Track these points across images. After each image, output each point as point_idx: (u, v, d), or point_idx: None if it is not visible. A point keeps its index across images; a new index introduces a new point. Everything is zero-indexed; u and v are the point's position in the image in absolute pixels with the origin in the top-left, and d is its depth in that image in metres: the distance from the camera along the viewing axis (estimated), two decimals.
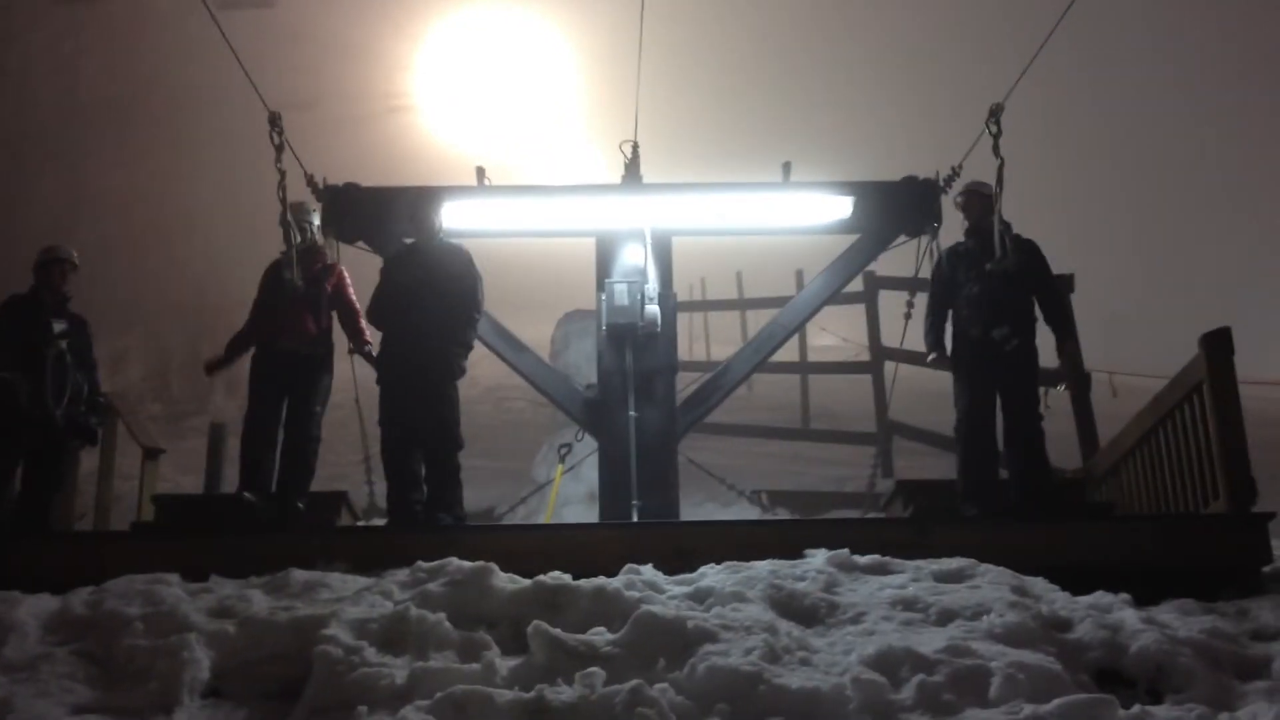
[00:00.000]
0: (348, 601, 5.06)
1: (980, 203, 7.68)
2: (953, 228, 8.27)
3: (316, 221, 8.09)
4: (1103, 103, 43.16)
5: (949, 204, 8.65)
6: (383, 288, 7.67)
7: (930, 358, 7.92)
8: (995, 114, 7.52)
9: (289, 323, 7.66)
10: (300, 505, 7.53)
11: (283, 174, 7.60)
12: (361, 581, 5.38)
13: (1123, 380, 11.63)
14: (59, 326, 7.91)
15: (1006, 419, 7.50)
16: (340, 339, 7.94)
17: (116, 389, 12.12)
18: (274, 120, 7.64)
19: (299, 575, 5.43)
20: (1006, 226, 7.55)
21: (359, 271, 8.48)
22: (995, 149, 7.48)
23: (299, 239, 7.81)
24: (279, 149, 7.64)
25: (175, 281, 23.97)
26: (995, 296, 7.47)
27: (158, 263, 25.32)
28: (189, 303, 22.46)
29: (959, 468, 7.60)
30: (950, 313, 7.80)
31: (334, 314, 7.91)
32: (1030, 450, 7.38)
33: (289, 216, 7.73)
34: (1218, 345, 6.83)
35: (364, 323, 7.95)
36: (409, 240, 7.96)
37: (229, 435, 9.30)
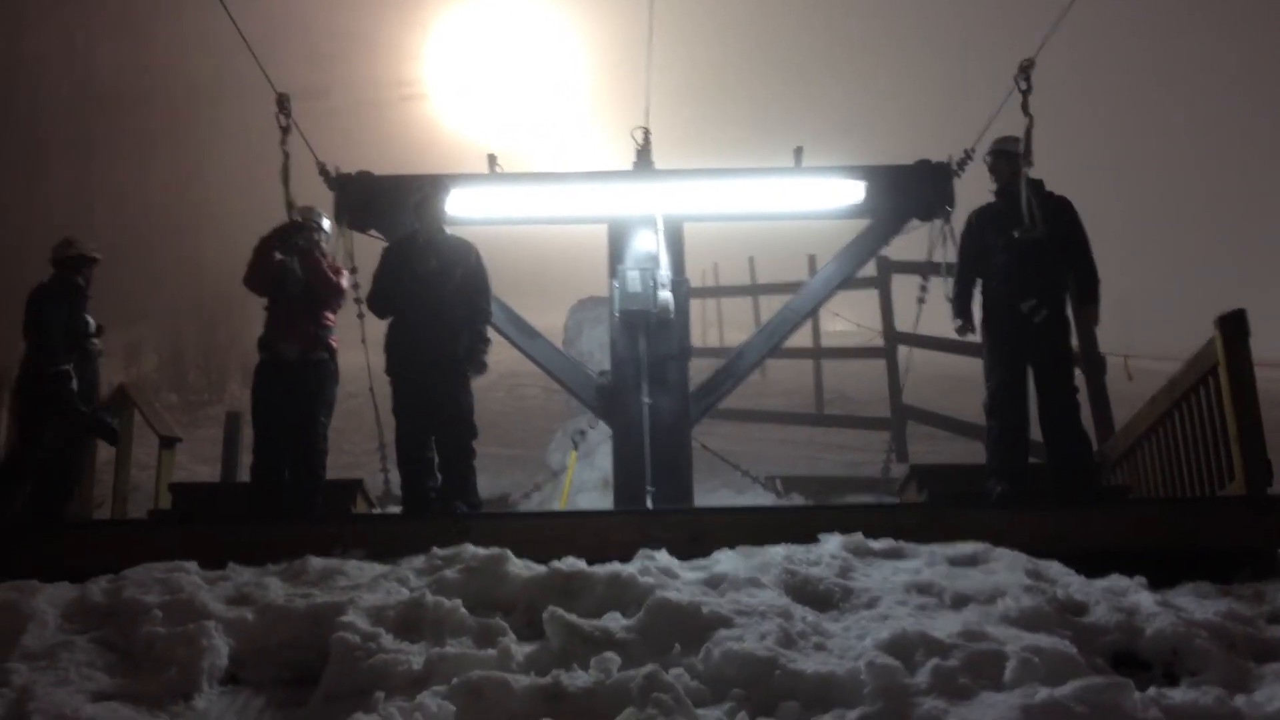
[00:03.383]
0: (364, 588, 5.08)
1: (1009, 163, 7.46)
2: (967, 204, 8.20)
3: (326, 225, 8.04)
4: (1113, 84, 42.95)
5: (961, 187, 8.61)
6: (385, 277, 7.62)
7: (957, 324, 7.74)
8: (1025, 70, 7.33)
9: (291, 324, 7.62)
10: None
11: (287, 156, 7.61)
12: (378, 569, 5.40)
13: (1138, 363, 11.57)
14: (94, 323, 8.05)
15: (1040, 394, 7.33)
16: (344, 345, 7.88)
17: (132, 379, 12.20)
18: (281, 102, 7.65)
19: (316, 563, 5.45)
20: (1037, 187, 7.37)
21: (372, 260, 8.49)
22: (1024, 106, 7.30)
23: (313, 241, 7.80)
24: (285, 130, 7.65)
25: (189, 272, 24.03)
26: (1024, 266, 7.28)
27: (171, 253, 25.39)
28: (203, 293, 22.52)
29: (988, 444, 7.48)
30: (980, 281, 7.61)
31: (331, 317, 7.83)
32: (1066, 427, 7.21)
33: (297, 217, 7.73)
34: (1233, 327, 6.80)
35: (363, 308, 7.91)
36: (415, 229, 7.94)
37: (245, 424, 9.32)
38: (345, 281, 7.91)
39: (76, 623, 4.83)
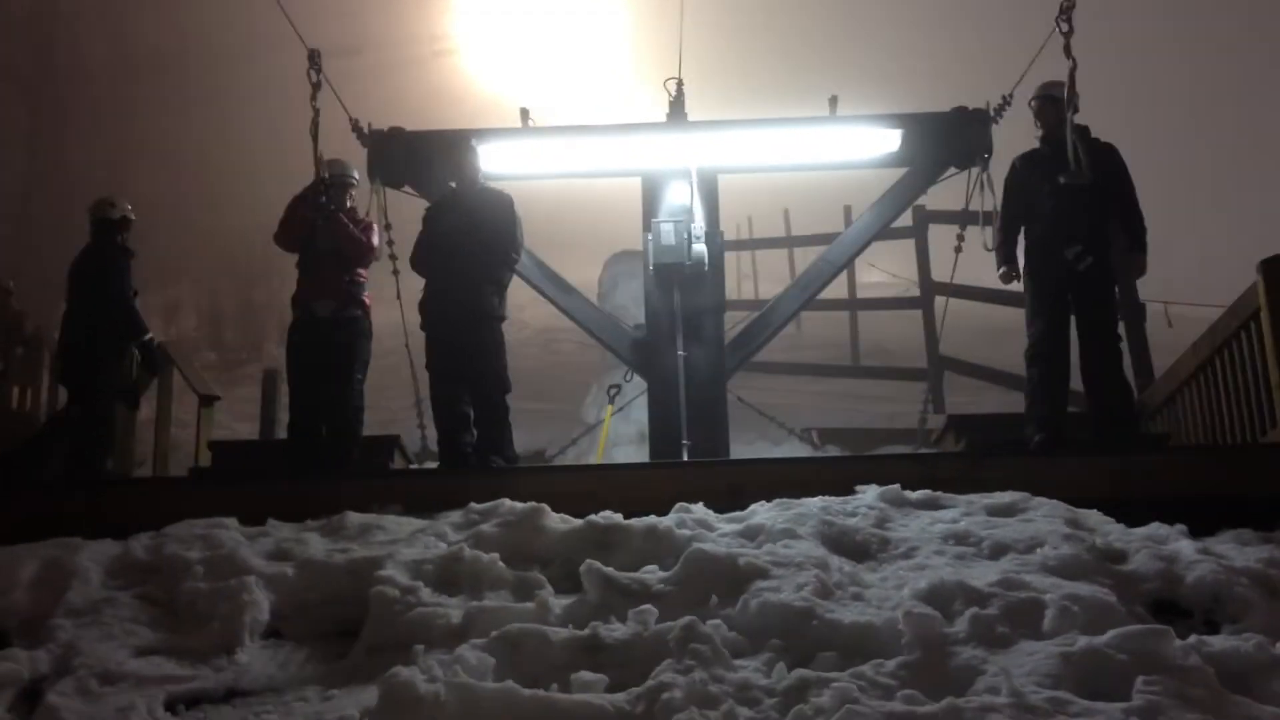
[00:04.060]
0: (402, 543, 5.11)
1: (1055, 109, 7.31)
2: (1005, 151, 8.09)
3: (356, 177, 8.04)
4: (1155, 24, 42.25)
5: (1000, 134, 8.51)
6: (424, 235, 7.67)
7: (1001, 271, 7.65)
8: (1066, 11, 7.14)
9: (323, 281, 7.64)
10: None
11: (316, 112, 7.59)
12: (416, 523, 5.43)
13: (1178, 310, 11.46)
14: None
15: (1082, 342, 7.24)
16: (375, 303, 7.89)
17: (171, 338, 12.31)
18: (313, 57, 7.64)
19: (354, 518, 5.48)
20: (1083, 133, 7.24)
21: (406, 216, 8.51)
22: (1066, 49, 7.10)
23: (343, 199, 7.81)
24: (316, 86, 7.64)
25: (226, 231, 24.17)
26: (1069, 212, 7.17)
27: (209, 214, 25.54)
28: (240, 253, 22.66)
29: (1028, 392, 7.41)
30: (1024, 228, 7.51)
31: (363, 273, 7.86)
32: (1107, 375, 7.13)
33: (326, 174, 7.72)
34: (1276, 271, 6.71)
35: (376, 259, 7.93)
36: (452, 185, 7.95)
37: (282, 382, 9.41)
38: (375, 238, 7.91)
39: (120, 579, 4.88)
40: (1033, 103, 7.54)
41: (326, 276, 7.60)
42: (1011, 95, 8.35)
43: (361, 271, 7.75)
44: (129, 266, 8.13)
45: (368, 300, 7.75)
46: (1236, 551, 4.76)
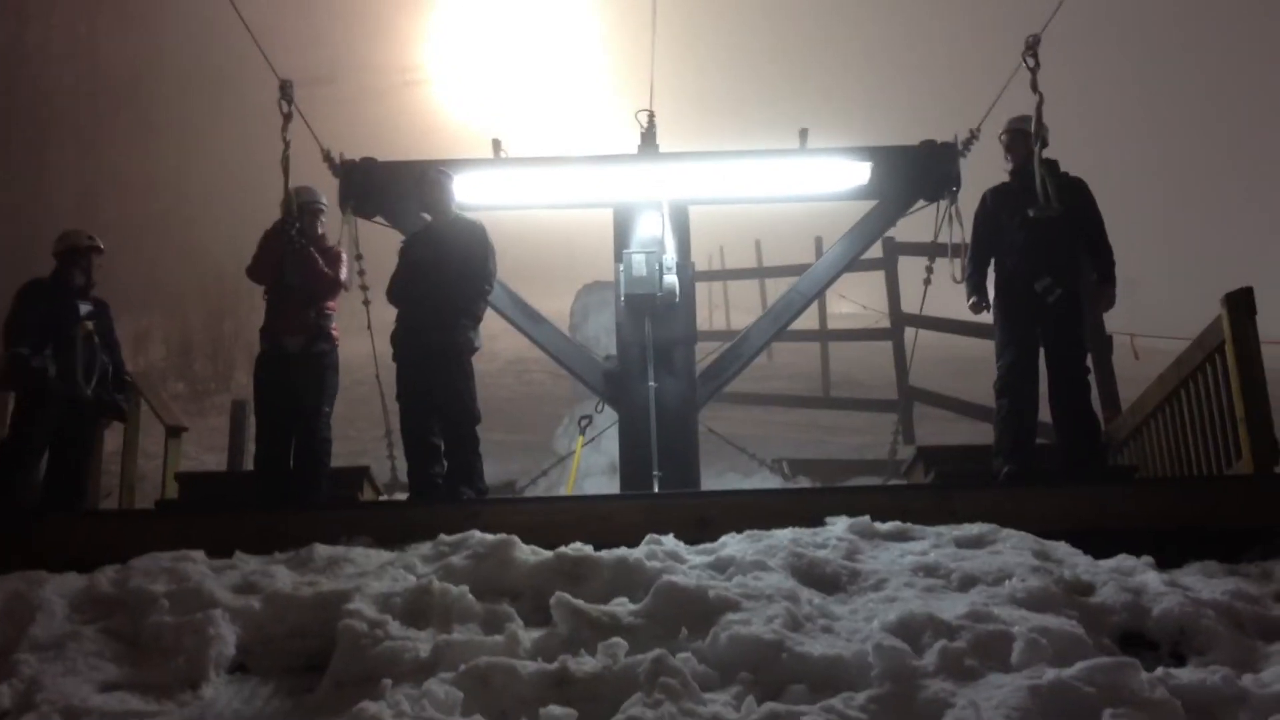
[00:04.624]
0: (371, 576, 5.08)
1: (1026, 142, 7.39)
2: (973, 184, 8.17)
3: (324, 204, 8.02)
4: (1122, 63, 42.78)
5: (969, 166, 8.58)
6: (398, 267, 7.67)
7: (971, 301, 7.71)
8: (1032, 46, 7.23)
9: (292, 315, 7.62)
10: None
11: (287, 144, 7.58)
12: (384, 556, 5.40)
13: (1145, 343, 11.55)
14: (85, 309, 8.00)
15: (1051, 374, 7.30)
16: (347, 334, 7.86)
17: (139, 368, 12.23)
18: (284, 89, 7.63)
19: (322, 550, 5.44)
20: (1052, 166, 7.31)
21: (378, 246, 8.50)
22: (1033, 84, 7.21)
23: (314, 227, 7.79)
24: (287, 118, 7.63)
25: (196, 261, 24.07)
26: (1038, 245, 7.25)
27: (178, 243, 25.44)
28: (210, 282, 22.58)
29: (996, 423, 7.46)
30: (994, 259, 7.58)
31: (332, 305, 7.84)
32: (1075, 407, 7.18)
33: (295, 202, 7.69)
34: (1240, 305, 6.78)
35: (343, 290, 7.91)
36: (426, 217, 7.95)
37: (251, 413, 9.35)
38: (343, 272, 7.89)
39: (84, 613, 4.82)
40: (1002, 137, 7.63)
41: (295, 311, 7.59)
42: (979, 128, 8.43)
43: (330, 304, 7.73)
44: (45, 289, 7.99)
45: (335, 333, 7.74)
46: (1203, 583, 4.79)
